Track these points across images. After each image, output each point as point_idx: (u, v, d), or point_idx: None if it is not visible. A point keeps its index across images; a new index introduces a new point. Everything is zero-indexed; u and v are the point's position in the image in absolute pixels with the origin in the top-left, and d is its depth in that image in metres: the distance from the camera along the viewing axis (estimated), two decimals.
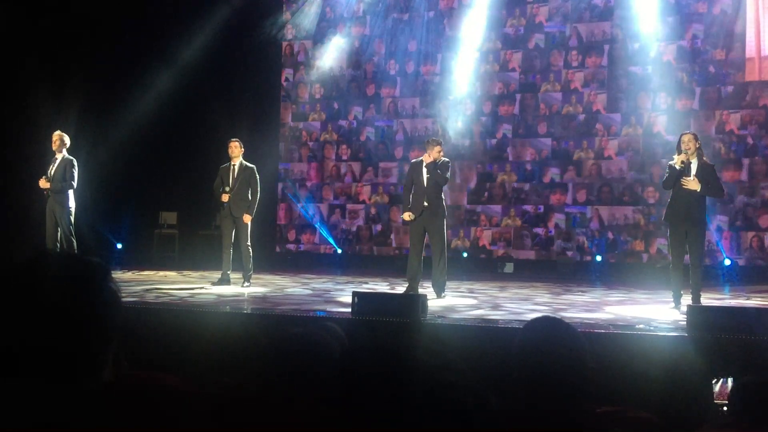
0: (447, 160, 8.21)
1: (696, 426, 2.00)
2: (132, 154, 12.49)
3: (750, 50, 11.29)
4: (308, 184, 13.74)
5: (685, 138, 7.17)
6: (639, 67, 11.80)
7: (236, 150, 8.87)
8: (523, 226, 12.40)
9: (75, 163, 8.88)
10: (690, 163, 7.09)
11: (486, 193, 12.58)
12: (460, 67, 12.77)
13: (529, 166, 12.37)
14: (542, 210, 12.22)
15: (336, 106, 13.62)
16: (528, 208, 12.31)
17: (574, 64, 12.22)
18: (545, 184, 12.28)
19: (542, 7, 12.47)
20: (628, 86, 11.87)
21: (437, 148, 8.02)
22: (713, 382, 4.36)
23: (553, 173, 12.23)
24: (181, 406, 1.38)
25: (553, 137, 12.25)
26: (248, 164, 8.93)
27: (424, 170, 7.97)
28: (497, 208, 12.48)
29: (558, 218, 12.15)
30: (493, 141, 12.59)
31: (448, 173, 8.18)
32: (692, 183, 7.03)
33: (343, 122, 13.54)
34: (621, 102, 11.91)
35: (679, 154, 7.12)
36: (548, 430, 1.92)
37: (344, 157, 13.52)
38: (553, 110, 12.31)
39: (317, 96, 13.75)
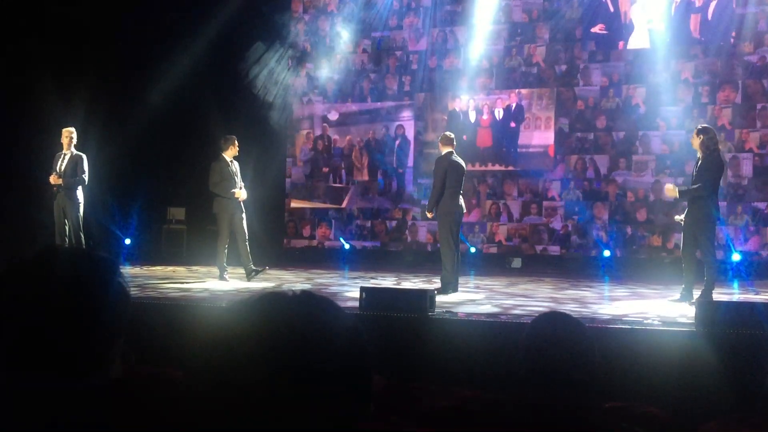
0: (437, 157, 8.07)
1: (704, 421, 1.99)
2: (140, 149, 12.51)
3: None
4: (329, 179, 13.70)
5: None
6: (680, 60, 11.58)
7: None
8: (542, 222, 12.26)
9: (85, 158, 8.93)
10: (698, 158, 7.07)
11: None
12: (486, 60, 12.70)
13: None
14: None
15: (369, 100, 13.52)
16: None
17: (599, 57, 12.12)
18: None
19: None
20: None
21: (439, 145, 8.05)
22: None
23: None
24: (189, 401, 1.38)
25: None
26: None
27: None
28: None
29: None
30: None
31: (437, 175, 7.85)
32: (670, 191, 7.12)
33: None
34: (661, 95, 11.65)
35: None
36: (556, 426, 1.92)
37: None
38: (589, 103, 12.06)
39: (339, 90, 13.67)
